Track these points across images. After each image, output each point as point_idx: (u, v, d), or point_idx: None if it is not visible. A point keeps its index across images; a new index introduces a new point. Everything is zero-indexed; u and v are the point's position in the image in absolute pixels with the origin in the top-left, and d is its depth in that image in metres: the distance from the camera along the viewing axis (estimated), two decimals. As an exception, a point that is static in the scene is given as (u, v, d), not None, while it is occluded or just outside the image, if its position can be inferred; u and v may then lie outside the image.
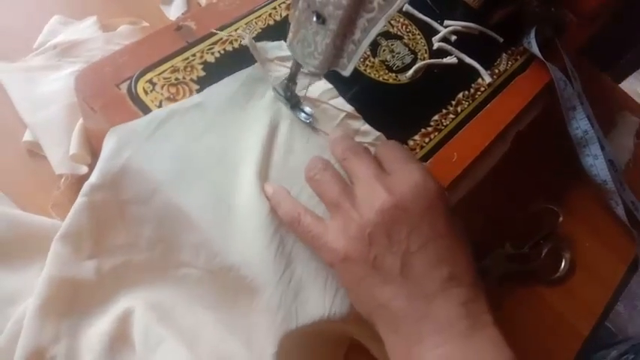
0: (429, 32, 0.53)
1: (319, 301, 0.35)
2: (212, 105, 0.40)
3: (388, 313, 0.31)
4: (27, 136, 0.46)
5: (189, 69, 0.42)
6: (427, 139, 0.46)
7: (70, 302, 0.37)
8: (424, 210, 0.31)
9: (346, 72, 0.37)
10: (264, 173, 0.38)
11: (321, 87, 0.44)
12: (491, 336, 0.30)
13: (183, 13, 0.57)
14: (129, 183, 0.36)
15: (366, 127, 0.43)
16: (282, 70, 0.43)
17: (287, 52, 0.44)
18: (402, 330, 0.30)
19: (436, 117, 0.48)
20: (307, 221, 0.33)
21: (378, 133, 0.44)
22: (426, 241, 0.31)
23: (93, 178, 0.36)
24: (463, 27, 0.55)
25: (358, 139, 0.42)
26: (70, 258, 0.37)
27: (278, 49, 0.44)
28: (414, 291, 0.30)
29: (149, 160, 0.36)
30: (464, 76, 0.52)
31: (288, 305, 0.34)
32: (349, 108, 0.44)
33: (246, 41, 0.43)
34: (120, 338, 0.37)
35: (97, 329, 0.37)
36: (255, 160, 0.38)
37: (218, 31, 0.44)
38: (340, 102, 0.44)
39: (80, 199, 0.36)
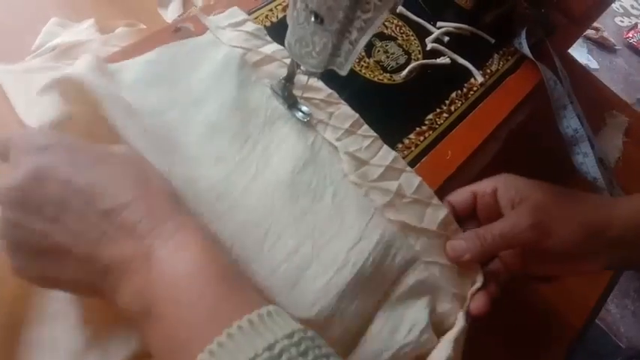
0: (422, 33, 0.55)
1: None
2: (163, 62, 0.42)
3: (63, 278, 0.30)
4: (26, 137, 0.46)
5: (188, 69, 0.43)
6: (422, 138, 0.47)
7: None
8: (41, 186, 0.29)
9: (343, 71, 0.38)
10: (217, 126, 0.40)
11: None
12: (183, 240, 0.29)
13: (179, 15, 0.58)
14: None
15: (319, 84, 0.44)
16: (234, 34, 0.44)
17: (239, 18, 0.45)
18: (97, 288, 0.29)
19: (430, 116, 0.49)
20: None
21: (330, 91, 0.44)
22: (58, 209, 0.29)
23: None
24: (455, 28, 0.56)
25: (309, 94, 0.43)
26: None
27: (231, 16, 0.46)
28: (79, 245, 0.29)
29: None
30: (457, 76, 0.53)
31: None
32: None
33: (194, 12, 0.45)
34: None
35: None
36: (206, 112, 0.39)
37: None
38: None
39: None
